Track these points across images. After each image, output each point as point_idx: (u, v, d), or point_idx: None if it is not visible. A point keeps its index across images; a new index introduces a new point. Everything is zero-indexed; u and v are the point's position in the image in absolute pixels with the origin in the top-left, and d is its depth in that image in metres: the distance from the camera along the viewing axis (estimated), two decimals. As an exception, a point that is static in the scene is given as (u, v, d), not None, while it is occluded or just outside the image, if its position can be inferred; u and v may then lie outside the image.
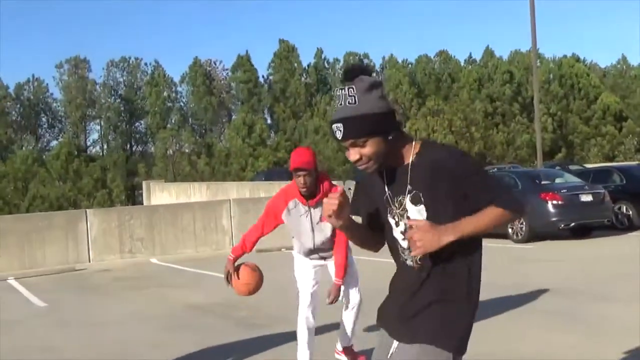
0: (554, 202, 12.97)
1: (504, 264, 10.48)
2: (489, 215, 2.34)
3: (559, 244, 12.82)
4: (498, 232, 13.68)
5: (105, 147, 63.70)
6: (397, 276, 2.56)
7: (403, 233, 2.44)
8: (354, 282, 5.18)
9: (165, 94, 61.41)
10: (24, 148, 57.21)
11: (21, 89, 60.61)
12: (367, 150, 2.33)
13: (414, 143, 2.41)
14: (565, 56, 57.76)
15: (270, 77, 61.74)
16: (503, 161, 44.47)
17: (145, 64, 64.30)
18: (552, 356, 5.33)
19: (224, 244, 14.60)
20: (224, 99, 62.78)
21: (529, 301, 7.51)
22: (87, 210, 14.92)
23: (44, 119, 62.73)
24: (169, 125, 60.78)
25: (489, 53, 61.75)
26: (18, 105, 60.38)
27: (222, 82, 63.21)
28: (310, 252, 4.98)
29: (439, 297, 2.38)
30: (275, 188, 26.05)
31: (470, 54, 67.05)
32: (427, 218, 2.35)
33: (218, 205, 15.44)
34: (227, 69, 62.93)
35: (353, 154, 2.35)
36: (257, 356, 5.83)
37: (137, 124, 64.78)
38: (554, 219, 12.96)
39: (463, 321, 2.39)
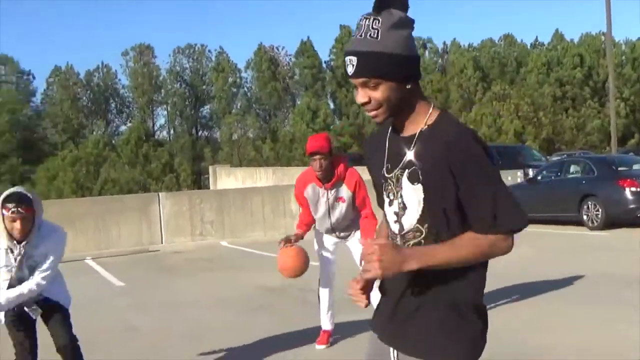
0: (632, 189, 12.56)
1: (579, 252, 10.22)
2: (472, 244, 1.95)
3: (636, 231, 12.42)
4: (571, 219, 13.36)
5: (171, 132, 64.97)
6: None
7: (396, 214, 2.09)
8: None
9: (230, 79, 62.10)
10: (94, 133, 58.87)
11: (91, 75, 62.28)
12: (379, 94, 1.99)
13: (431, 109, 2.05)
14: (639, 39, 55.71)
15: (332, 63, 61.68)
16: (573, 147, 43.33)
17: (210, 50, 65.19)
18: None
19: (292, 228, 14.61)
20: (288, 84, 63.07)
21: (611, 291, 7.30)
22: (160, 193, 15.26)
23: (112, 105, 64.34)
24: (234, 111, 61.51)
25: (558, 36, 60.11)
26: (88, 92, 62.07)
27: (286, 67, 63.49)
28: (329, 231, 5.39)
29: (433, 296, 2.03)
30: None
31: (537, 37, 65.52)
32: (424, 201, 2.00)
33: (286, 190, 15.53)
34: (290, 55, 63.22)
35: (362, 95, 2.01)
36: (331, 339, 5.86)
37: (202, 109, 65.79)
38: (631, 206, 12.55)
39: (467, 327, 2.03)
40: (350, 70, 1.98)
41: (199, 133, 65.66)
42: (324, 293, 5.54)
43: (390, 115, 2.03)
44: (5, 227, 3.90)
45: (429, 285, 2.02)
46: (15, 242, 3.94)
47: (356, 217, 5.31)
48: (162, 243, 13.87)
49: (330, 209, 5.20)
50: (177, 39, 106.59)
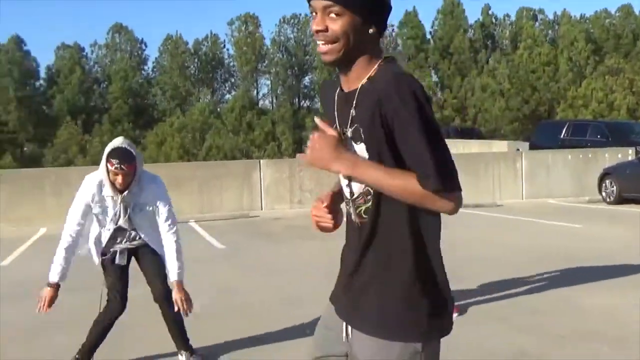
0: None
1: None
2: (404, 181, 1.80)
3: None
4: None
5: (274, 101, 65.94)
6: (346, 236, 2.08)
7: (347, 178, 1.94)
8: None
9: (332, 50, 62.14)
10: (201, 101, 60.59)
11: (199, 44, 63.91)
12: (338, 25, 1.79)
13: (378, 62, 1.89)
14: None
15: (435, 34, 60.57)
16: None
17: (315, 20, 65.33)
18: None
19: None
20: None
21: None
22: (261, 160, 15.64)
23: (219, 73, 65.86)
24: (336, 81, 61.68)
25: (681, 7, 56.43)
26: (196, 60, 63.77)
27: (389, 38, 62.88)
28: None
29: (384, 268, 1.89)
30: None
31: (658, 8, 61.76)
32: (370, 159, 1.85)
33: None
34: (393, 25, 62.55)
35: (319, 22, 1.81)
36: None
37: (304, 79, 66.34)
38: None
39: (423, 304, 1.87)
40: None
41: (301, 103, 66.32)
42: None
43: (342, 57, 1.85)
44: (109, 178, 4.22)
45: (383, 255, 1.89)
46: (117, 191, 4.28)
47: None
48: (261, 209, 14.26)
49: None
50: (283, 9, 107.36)
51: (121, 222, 4.39)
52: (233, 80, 66.40)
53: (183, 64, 61.66)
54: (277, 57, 64.21)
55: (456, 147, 24.90)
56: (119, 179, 4.21)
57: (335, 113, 1.96)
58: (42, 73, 61.28)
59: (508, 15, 62.28)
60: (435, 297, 1.90)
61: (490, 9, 61.91)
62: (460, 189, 1.82)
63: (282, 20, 64.93)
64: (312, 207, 2.07)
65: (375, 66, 1.87)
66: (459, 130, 33.17)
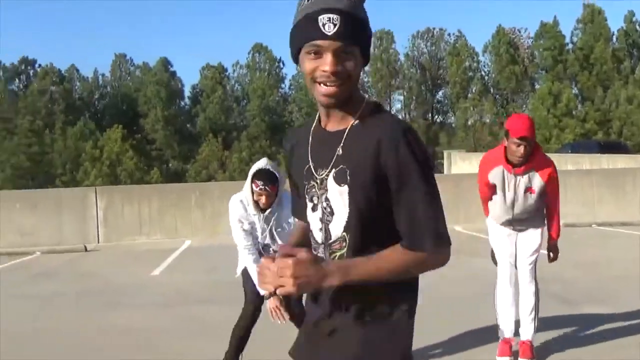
0: None
1: None
2: (400, 259, 1.71)
3: None
4: None
5: (407, 116, 65.78)
6: None
7: (321, 221, 1.83)
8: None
9: (466, 64, 61.28)
10: (335, 117, 61.48)
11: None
12: (351, 65, 1.71)
13: (364, 102, 1.82)
14: None
15: (575, 44, 58.11)
16: None
17: (449, 34, 64.83)
18: None
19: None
20: (528, 68, 60.69)
21: None
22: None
23: (354, 90, 66.59)
24: (470, 95, 60.67)
25: None
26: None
27: (526, 50, 61.12)
28: (506, 223, 4.85)
29: (359, 309, 1.79)
30: (583, 160, 24.67)
31: None
32: (349, 206, 1.75)
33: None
34: (531, 37, 60.75)
35: (335, 62, 1.68)
36: (568, 330, 5.69)
37: (437, 93, 65.77)
38: None
39: (397, 343, 1.80)
40: (330, 29, 1.68)
41: (434, 118, 65.77)
42: (503, 293, 4.95)
43: (345, 97, 1.75)
44: (253, 198, 4.43)
45: (353, 296, 1.77)
46: (260, 210, 4.48)
47: (537, 212, 4.82)
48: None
49: (515, 199, 4.69)
50: (417, 24, 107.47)
51: (266, 239, 4.58)
52: (367, 95, 66.82)
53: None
54: (410, 73, 64.11)
55: (600, 162, 23.73)
56: (263, 199, 4.40)
57: (310, 153, 1.85)
58: (187, 92, 64.74)
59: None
60: (408, 336, 1.84)
61: (634, 15, 58.65)
62: (450, 244, 1.76)
63: (415, 35, 64.89)
64: (269, 300, 1.90)
65: (363, 105, 1.81)
66: (601, 144, 31.54)
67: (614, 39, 57.75)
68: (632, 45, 58.05)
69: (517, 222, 4.86)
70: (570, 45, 58.22)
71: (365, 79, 65.91)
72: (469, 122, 59.68)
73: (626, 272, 8.30)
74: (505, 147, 4.61)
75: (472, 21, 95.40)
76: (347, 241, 1.78)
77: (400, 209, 1.72)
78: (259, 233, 4.56)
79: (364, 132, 1.75)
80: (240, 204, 4.53)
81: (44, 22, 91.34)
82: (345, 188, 1.75)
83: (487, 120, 58.17)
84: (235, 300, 6.27)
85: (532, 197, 4.69)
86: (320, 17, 1.68)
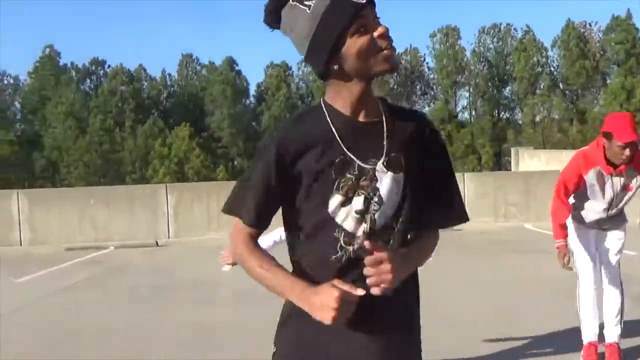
0: None
1: None
2: (430, 244, 1.88)
3: None
4: None
5: (473, 113, 64.87)
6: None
7: (360, 212, 1.74)
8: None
9: (534, 59, 59.94)
10: (400, 115, 61.17)
11: (399, 58, 64.46)
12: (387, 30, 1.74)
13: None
14: None
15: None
16: None
17: (516, 29, 63.55)
18: None
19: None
20: (599, 62, 58.93)
21: None
22: (465, 174, 15.44)
23: (418, 87, 66.11)
24: (538, 91, 59.34)
25: None
26: (396, 74, 64.54)
27: (597, 44, 59.36)
28: (595, 223, 4.61)
29: (411, 320, 1.89)
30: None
31: None
32: (403, 191, 1.77)
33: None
34: (602, 31, 58.97)
35: (383, 28, 1.71)
36: None
37: (504, 90, 64.55)
38: None
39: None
40: None
41: (501, 114, 64.61)
42: (586, 295, 4.72)
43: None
44: None
45: (404, 310, 1.86)
46: None
47: (623, 210, 4.63)
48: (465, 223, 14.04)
49: (613, 199, 4.46)
50: (483, 19, 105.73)
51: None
52: (432, 93, 66.31)
53: (382, 78, 62.59)
54: (477, 69, 63.16)
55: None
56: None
57: (344, 146, 1.75)
58: (252, 91, 65.47)
59: None
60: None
61: None
62: None
63: (481, 30, 63.86)
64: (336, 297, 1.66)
65: (375, 97, 1.83)
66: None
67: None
68: None
69: (607, 221, 4.68)
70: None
71: (431, 76, 65.29)
72: (537, 119, 58.38)
73: None
74: (604, 147, 4.33)
75: (540, 16, 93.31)
76: (396, 228, 1.78)
77: (444, 191, 1.85)
78: None
79: (402, 121, 1.80)
80: None
81: (113, 23, 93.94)
82: (401, 175, 1.77)
83: (556, 117, 56.77)
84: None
85: (628, 195, 4.50)
86: None
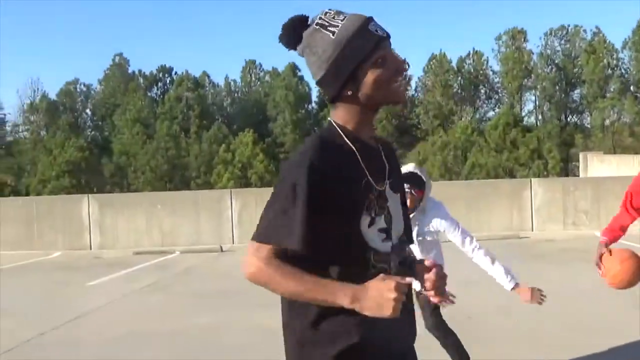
0: None
1: None
2: None
3: None
4: None
5: (540, 117, 63.47)
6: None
7: (385, 231, 1.84)
8: None
9: (604, 61, 58.22)
10: (463, 119, 60.39)
11: (462, 62, 63.85)
12: None
13: None
14: None
15: None
16: None
17: (585, 30, 61.91)
18: None
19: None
20: (673, 64, 56.84)
21: None
22: (532, 179, 15.10)
23: (482, 91, 65.13)
24: (608, 95, 57.62)
25: None
26: (459, 78, 63.77)
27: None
28: None
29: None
30: None
31: None
32: (402, 210, 1.99)
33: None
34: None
35: (404, 63, 1.85)
36: None
37: (572, 93, 62.95)
38: None
39: None
40: (382, 32, 1.84)
41: (568, 118, 62.99)
42: None
43: None
44: None
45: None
46: None
47: None
48: (532, 230, 13.72)
49: None
50: (551, 21, 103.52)
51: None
52: (497, 96, 65.24)
53: (447, 82, 62.01)
54: (544, 72, 61.81)
55: None
56: (407, 202, 4.29)
57: (365, 168, 1.84)
58: (314, 97, 65.73)
59: None
60: None
61: None
62: None
63: (549, 32, 62.48)
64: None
65: None
66: None
67: None
68: None
69: None
70: None
71: (497, 79, 64.23)
72: (607, 123, 56.69)
73: None
74: None
75: (610, 16, 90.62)
76: (406, 243, 2.00)
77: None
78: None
79: (384, 144, 1.99)
80: None
81: (179, 31, 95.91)
82: (398, 195, 1.96)
83: (627, 121, 54.99)
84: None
85: None
86: (370, 25, 1.81)
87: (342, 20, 1.80)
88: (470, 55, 64.03)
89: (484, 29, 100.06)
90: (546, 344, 5.63)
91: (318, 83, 1.86)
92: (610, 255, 4.01)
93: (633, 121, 53.75)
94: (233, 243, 13.85)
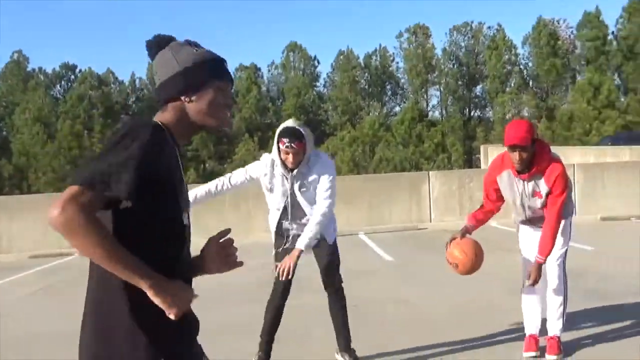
0: None
1: None
2: None
3: None
4: None
5: (444, 112, 65.28)
6: None
7: (188, 219, 2.21)
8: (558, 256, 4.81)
9: (505, 57, 60.46)
10: (371, 114, 61.37)
11: (369, 58, 64.83)
12: None
13: None
14: None
15: (619, 34, 56.84)
16: None
17: (489, 27, 64.07)
18: None
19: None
20: (569, 60, 59.62)
21: None
22: (430, 172, 15.54)
23: (388, 87, 66.35)
24: (508, 89, 59.88)
25: None
26: (366, 74, 64.73)
27: (567, 41, 60.05)
28: (526, 222, 4.88)
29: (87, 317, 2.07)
30: (623, 153, 24.14)
31: None
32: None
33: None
34: (572, 27, 59.69)
35: (232, 101, 2.20)
36: (599, 325, 5.60)
37: (475, 88, 65.06)
38: None
39: None
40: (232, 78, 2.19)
41: (471, 113, 65.10)
42: (528, 290, 4.97)
43: None
44: (280, 157, 4.43)
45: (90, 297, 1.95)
46: (287, 169, 4.47)
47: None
48: (430, 221, 14.14)
49: (524, 202, 4.71)
50: (454, 18, 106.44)
51: (287, 200, 4.54)
52: (402, 92, 66.62)
53: (354, 78, 62.80)
54: (447, 67, 63.57)
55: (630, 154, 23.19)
56: (290, 157, 4.39)
57: (180, 163, 2.10)
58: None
59: None
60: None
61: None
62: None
63: (452, 29, 64.29)
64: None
65: None
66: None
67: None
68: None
69: (536, 221, 4.83)
70: (615, 35, 56.98)
71: (401, 76, 65.58)
72: (507, 117, 58.90)
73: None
74: None
75: (511, 13, 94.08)
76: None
77: None
78: (278, 194, 4.54)
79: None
80: (270, 162, 4.54)
81: (83, 28, 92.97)
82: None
83: (526, 114, 57.29)
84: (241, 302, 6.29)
85: (541, 201, 4.65)
86: (225, 63, 2.13)
87: (205, 49, 2.11)
88: (377, 52, 65.09)
89: (391, 26, 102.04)
90: (431, 328, 5.85)
91: (161, 81, 2.05)
92: (459, 241, 4.59)
93: (531, 115, 56.02)
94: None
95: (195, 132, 2.11)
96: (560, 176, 4.55)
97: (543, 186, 4.59)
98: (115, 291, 1.85)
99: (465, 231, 4.78)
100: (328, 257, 4.63)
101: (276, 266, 4.47)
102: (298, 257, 4.29)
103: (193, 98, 2.03)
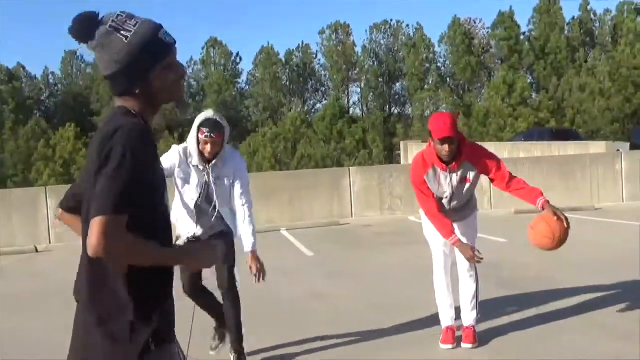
0: None
1: None
2: None
3: None
4: None
5: (365, 108, 66.05)
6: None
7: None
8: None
9: (423, 55, 61.70)
10: (292, 111, 61.44)
11: (291, 55, 64.86)
12: None
13: None
14: None
15: (531, 34, 58.97)
16: None
17: (407, 25, 65.17)
18: None
19: (481, 204, 14.45)
20: (484, 58, 61.40)
21: None
22: (351, 168, 15.69)
23: (310, 83, 66.59)
24: (426, 87, 61.14)
25: None
26: (288, 71, 64.74)
27: (482, 40, 61.81)
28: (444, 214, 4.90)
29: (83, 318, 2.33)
30: (535, 148, 25.06)
31: None
32: None
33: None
34: (487, 28, 61.50)
35: (183, 71, 2.21)
36: (513, 314, 5.78)
37: (395, 86, 66.12)
38: None
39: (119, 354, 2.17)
40: (173, 40, 2.15)
41: (392, 110, 66.13)
42: (440, 283, 5.11)
43: None
44: (198, 147, 4.40)
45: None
46: (204, 161, 4.44)
47: (471, 199, 5.02)
48: (352, 217, 14.28)
49: (452, 193, 4.80)
50: (375, 16, 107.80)
51: (200, 192, 4.51)
52: (324, 89, 67.00)
53: (275, 75, 62.70)
54: (367, 65, 64.32)
55: (550, 149, 24.15)
56: (208, 147, 4.38)
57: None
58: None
59: (609, 11, 59.87)
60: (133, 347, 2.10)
61: (589, 4, 59.78)
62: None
63: (373, 27, 65.05)
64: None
65: None
66: (553, 132, 32.07)
67: (569, 28, 58.69)
68: (586, 34, 59.12)
69: (454, 213, 4.93)
70: (527, 35, 58.98)
71: (323, 72, 65.91)
72: (426, 113, 60.15)
73: (576, 257, 8.43)
74: (434, 146, 4.67)
75: (430, 12, 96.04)
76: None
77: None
78: (194, 186, 4.49)
79: None
80: (182, 152, 4.48)
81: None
82: None
83: (444, 111, 58.63)
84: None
85: (467, 186, 4.79)
86: (160, 33, 2.08)
87: (134, 26, 2.00)
88: (299, 48, 65.20)
89: (313, 23, 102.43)
90: (353, 323, 5.90)
91: (107, 77, 2.06)
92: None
93: (449, 111, 57.40)
94: (50, 243, 13.17)
95: (158, 109, 2.15)
96: (484, 152, 4.77)
97: (472, 170, 4.71)
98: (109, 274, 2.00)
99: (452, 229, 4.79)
100: (228, 257, 4.59)
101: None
102: (258, 258, 4.46)
103: (143, 87, 2.04)
